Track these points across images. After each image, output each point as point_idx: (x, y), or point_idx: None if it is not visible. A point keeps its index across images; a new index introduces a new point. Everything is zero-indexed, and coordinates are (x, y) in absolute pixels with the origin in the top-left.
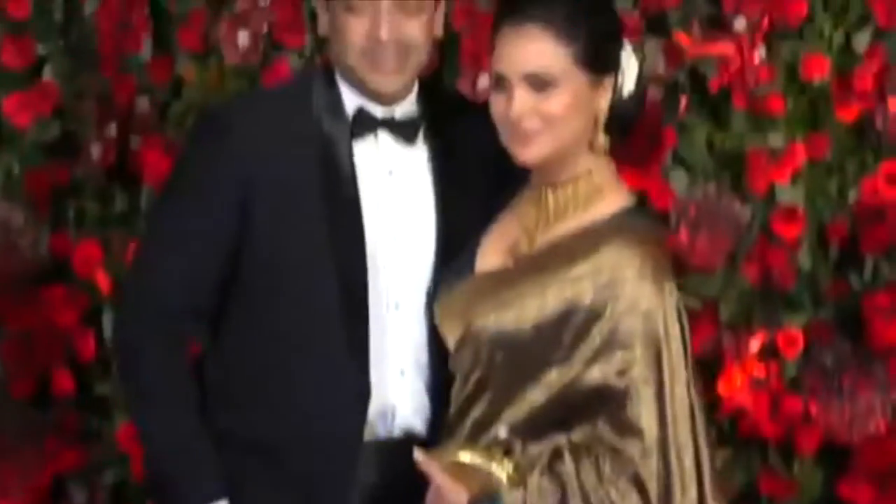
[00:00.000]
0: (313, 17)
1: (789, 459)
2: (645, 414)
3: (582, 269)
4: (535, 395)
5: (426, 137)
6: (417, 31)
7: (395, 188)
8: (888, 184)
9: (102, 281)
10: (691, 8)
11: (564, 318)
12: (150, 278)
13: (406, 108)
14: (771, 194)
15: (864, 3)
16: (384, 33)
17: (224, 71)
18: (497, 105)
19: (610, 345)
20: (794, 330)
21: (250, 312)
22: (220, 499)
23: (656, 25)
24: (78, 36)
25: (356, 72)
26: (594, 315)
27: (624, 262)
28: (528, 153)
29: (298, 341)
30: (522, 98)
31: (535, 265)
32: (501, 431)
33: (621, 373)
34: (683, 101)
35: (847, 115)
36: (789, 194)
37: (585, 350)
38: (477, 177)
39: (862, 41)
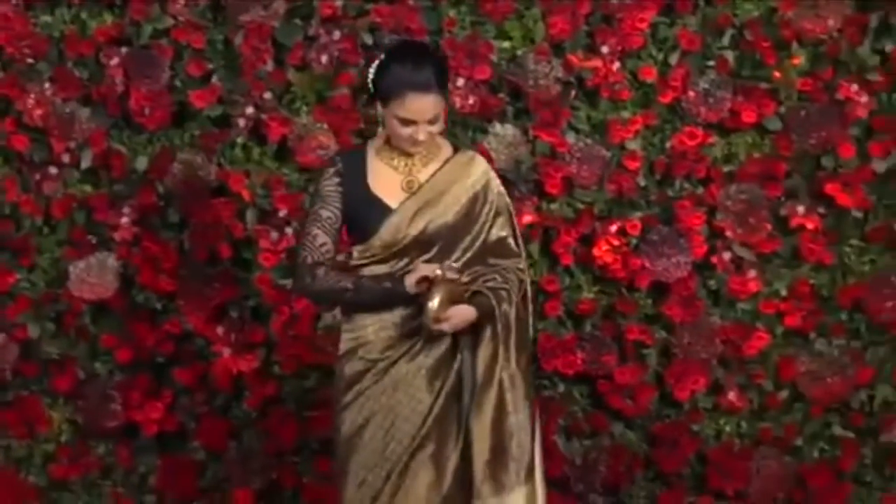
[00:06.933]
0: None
1: (632, 292)
2: (518, 244)
3: (470, 181)
4: (462, 247)
5: None
6: None
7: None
8: (689, 139)
9: (245, 194)
10: (578, 41)
11: (471, 207)
12: None
13: None
14: (622, 145)
15: (676, 36)
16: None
17: None
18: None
19: (496, 214)
20: (635, 221)
21: None
22: None
23: (558, 51)
24: None
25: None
26: (483, 200)
27: (486, 171)
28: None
29: None
30: (426, 129)
31: (438, 186)
32: (455, 264)
33: (501, 228)
34: (573, 92)
35: (665, 99)
36: (633, 145)
37: (483, 219)
38: None
39: (674, 58)
